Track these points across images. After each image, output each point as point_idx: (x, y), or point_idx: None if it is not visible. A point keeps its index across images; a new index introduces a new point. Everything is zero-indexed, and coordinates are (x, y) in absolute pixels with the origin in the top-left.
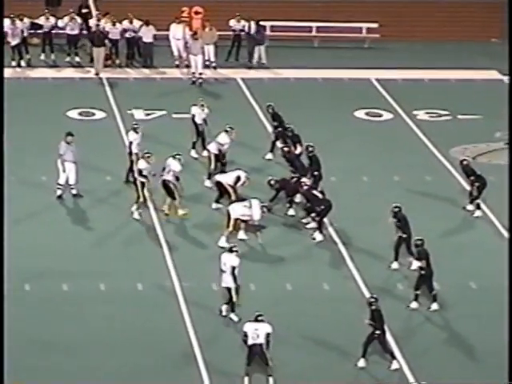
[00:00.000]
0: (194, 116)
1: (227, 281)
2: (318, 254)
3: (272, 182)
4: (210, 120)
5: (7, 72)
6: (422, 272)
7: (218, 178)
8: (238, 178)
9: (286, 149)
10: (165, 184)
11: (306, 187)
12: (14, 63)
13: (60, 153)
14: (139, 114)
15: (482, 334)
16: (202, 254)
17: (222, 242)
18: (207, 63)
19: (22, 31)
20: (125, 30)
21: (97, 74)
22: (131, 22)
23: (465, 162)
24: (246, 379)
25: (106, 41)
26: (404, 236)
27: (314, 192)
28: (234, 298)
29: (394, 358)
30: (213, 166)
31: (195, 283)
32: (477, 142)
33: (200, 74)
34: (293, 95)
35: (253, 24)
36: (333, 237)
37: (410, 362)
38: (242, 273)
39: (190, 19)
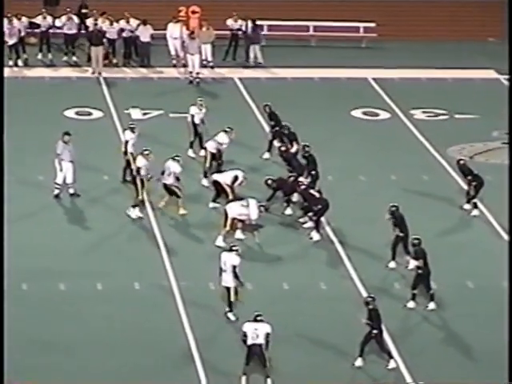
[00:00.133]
0: (193, 116)
1: (227, 280)
2: (315, 253)
3: (269, 182)
4: (207, 119)
5: (4, 71)
6: (420, 271)
7: (216, 177)
8: (236, 178)
9: (283, 148)
10: (166, 187)
11: (303, 186)
12: (11, 62)
13: (57, 152)
14: (136, 114)
15: (479, 333)
16: (200, 253)
17: (219, 242)
18: (204, 63)
19: (20, 30)
20: (122, 30)
21: (93, 73)
22: (128, 22)
23: (461, 162)
24: (244, 379)
25: (104, 40)
26: (401, 235)
27: (311, 191)
28: (232, 298)
29: (391, 357)
30: (208, 165)
31: (193, 282)
32: (474, 142)
33: (197, 73)
34: (290, 95)
35: (250, 23)
36: (330, 236)
37: (407, 362)
38: (240, 272)
39: (187, 18)
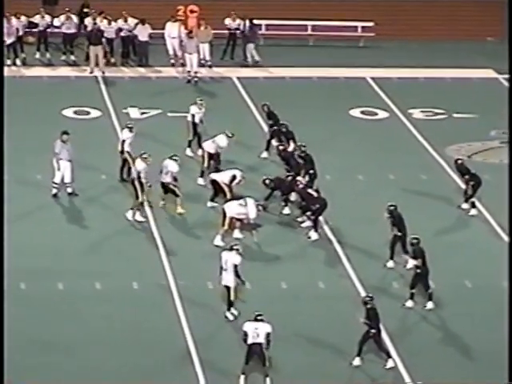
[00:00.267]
0: (193, 116)
1: (227, 279)
2: (314, 252)
3: (267, 182)
4: (205, 119)
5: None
6: (418, 271)
7: (214, 176)
8: (234, 177)
9: (281, 147)
10: (164, 186)
11: (301, 186)
12: (9, 62)
13: (55, 151)
14: (134, 113)
15: (477, 332)
16: (198, 252)
17: (218, 241)
18: (202, 62)
19: (18, 30)
20: (120, 29)
21: (91, 73)
22: (126, 21)
23: (459, 161)
24: (242, 378)
25: (103, 40)
26: (399, 234)
27: (309, 190)
28: (232, 297)
29: (389, 356)
30: (206, 164)
31: (191, 282)
32: (472, 141)
33: (195, 72)
34: (288, 94)
35: (247, 22)
36: (328, 235)
37: (405, 361)
38: (241, 271)
39: (185, 18)
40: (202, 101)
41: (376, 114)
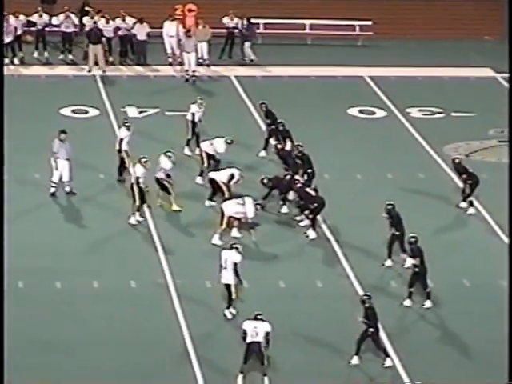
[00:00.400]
0: (193, 114)
1: (227, 277)
2: (312, 251)
3: (265, 181)
4: (204, 118)
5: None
6: (416, 269)
7: (212, 175)
8: (232, 176)
9: (279, 146)
10: (158, 181)
11: (299, 185)
12: (7, 61)
13: (53, 150)
14: (132, 112)
15: (475, 331)
16: (196, 251)
17: (216, 240)
18: (200, 61)
19: (16, 28)
20: (118, 28)
21: (89, 71)
22: (124, 20)
23: (457, 161)
24: (240, 377)
25: (103, 39)
26: (397, 234)
27: (307, 189)
28: (234, 295)
29: (387, 355)
30: (205, 164)
31: (189, 280)
32: (470, 140)
33: (193, 71)
34: (286, 93)
35: (245, 21)
36: (326, 234)
37: (403, 360)
38: (240, 270)
39: (183, 17)
40: (202, 100)
41: (374, 113)
